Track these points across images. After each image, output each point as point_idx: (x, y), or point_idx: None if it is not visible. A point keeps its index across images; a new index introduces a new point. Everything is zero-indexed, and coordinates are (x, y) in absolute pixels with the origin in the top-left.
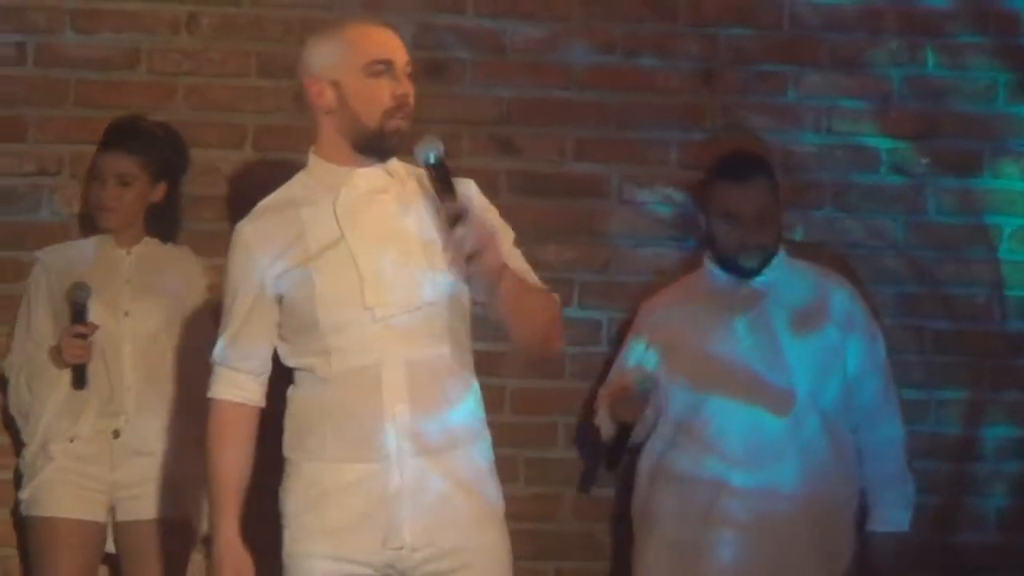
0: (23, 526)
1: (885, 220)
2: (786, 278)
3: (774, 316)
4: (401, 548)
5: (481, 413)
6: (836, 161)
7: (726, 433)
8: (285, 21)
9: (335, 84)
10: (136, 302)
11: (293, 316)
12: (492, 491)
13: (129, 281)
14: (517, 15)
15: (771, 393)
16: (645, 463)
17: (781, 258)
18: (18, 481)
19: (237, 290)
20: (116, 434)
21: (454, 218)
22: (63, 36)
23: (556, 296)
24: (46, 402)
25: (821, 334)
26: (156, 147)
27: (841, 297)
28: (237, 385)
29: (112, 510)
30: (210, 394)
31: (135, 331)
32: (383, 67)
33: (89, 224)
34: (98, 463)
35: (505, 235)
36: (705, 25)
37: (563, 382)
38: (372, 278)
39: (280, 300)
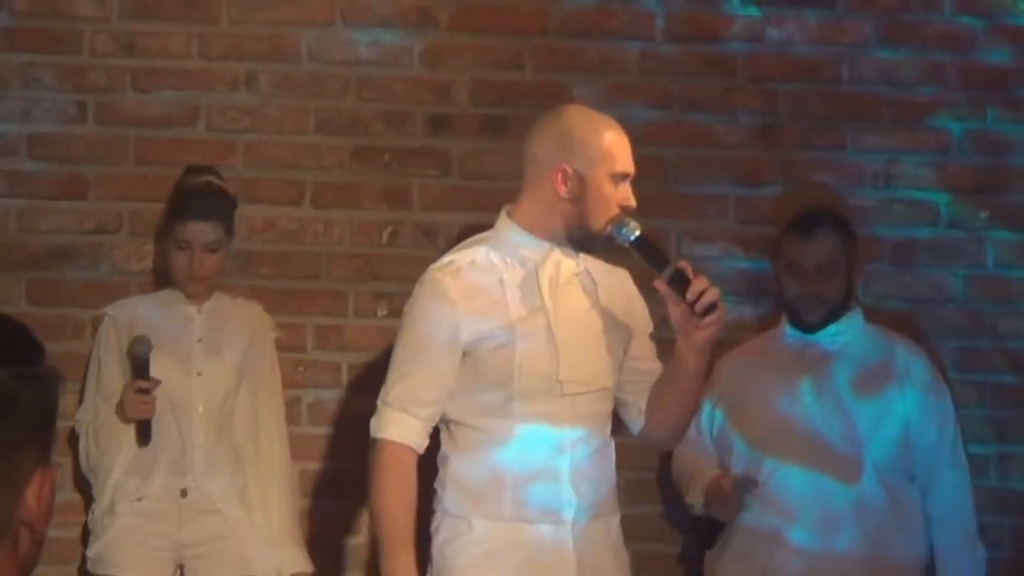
0: None
1: (945, 274)
2: (858, 342)
3: (839, 378)
4: None
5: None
6: (895, 215)
7: (786, 492)
8: (343, 78)
9: (581, 178)
10: (208, 361)
11: (484, 375)
12: (627, 556)
13: (201, 340)
14: (575, 70)
15: (837, 460)
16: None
17: (856, 318)
18: (85, 538)
19: (428, 337)
20: (184, 493)
21: (679, 276)
22: (123, 95)
23: None
24: (114, 459)
25: (887, 396)
26: (232, 206)
27: (913, 362)
28: (409, 428)
29: (180, 569)
30: (381, 435)
31: (207, 390)
32: (623, 178)
33: (150, 281)
34: (165, 522)
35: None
36: (763, 80)
37: (622, 438)
38: (567, 355)
39: (466, 355)
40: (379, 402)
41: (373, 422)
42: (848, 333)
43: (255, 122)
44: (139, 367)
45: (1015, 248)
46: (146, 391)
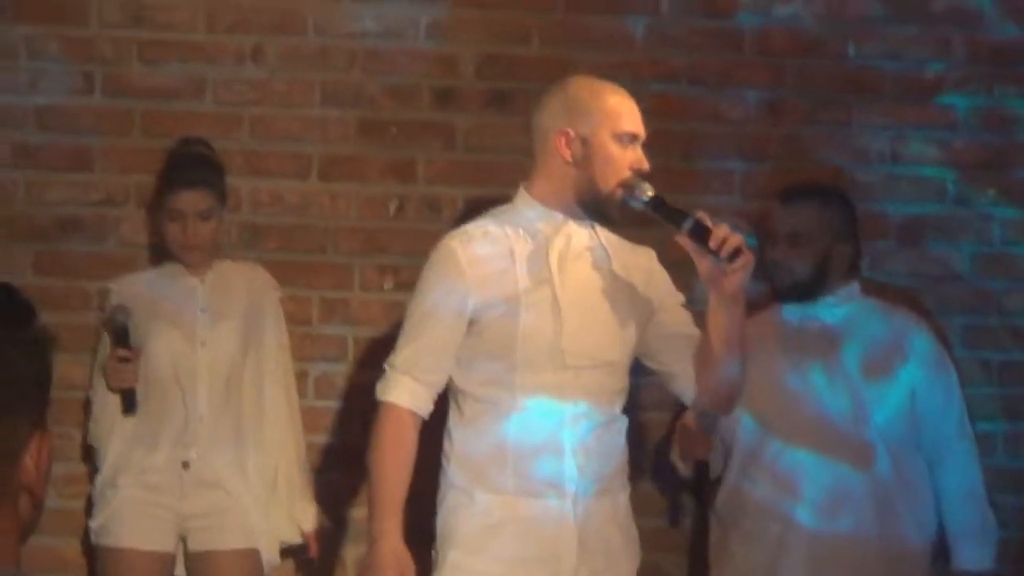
0: (93, 555)
1: (951, 251)
2: (858, 316)
3: (849, 361)
4: None
5: (627, 456)
6: (902, 192)
7: (798, 475)
8: (350, 51)
9: (584, 141)
10: (212, 331)
11: (487, 345)
12: (636, 533)
13: (204, 310)
14: (581, 45)
15: (848, 442)
16: (721, 495)
17: (852, 290)
18: (90, 509)
19: (436, 305)
20: (186, 465)
21: (699, 227)
22: (130, 66)
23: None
24: (111, 430)
25: (897, 376)
26: (222, 174)
27: (915, 335)
28: (415, 394)
29: (183, 540)
30: (385, 397)
31: (211, 361)
32: (630, 139)
33: (156, 253)
34: (168, 493)
35: (683, 311)
36: (770, 55)
37: (637, 413)
38: (571, 326)
39: (472, 324)
40: (385, 366)
41: (379, 386)
42: (845, 307)
43: (262, 95)
44: (119, 335)
45: (1022, 225)
46: (127, 360)
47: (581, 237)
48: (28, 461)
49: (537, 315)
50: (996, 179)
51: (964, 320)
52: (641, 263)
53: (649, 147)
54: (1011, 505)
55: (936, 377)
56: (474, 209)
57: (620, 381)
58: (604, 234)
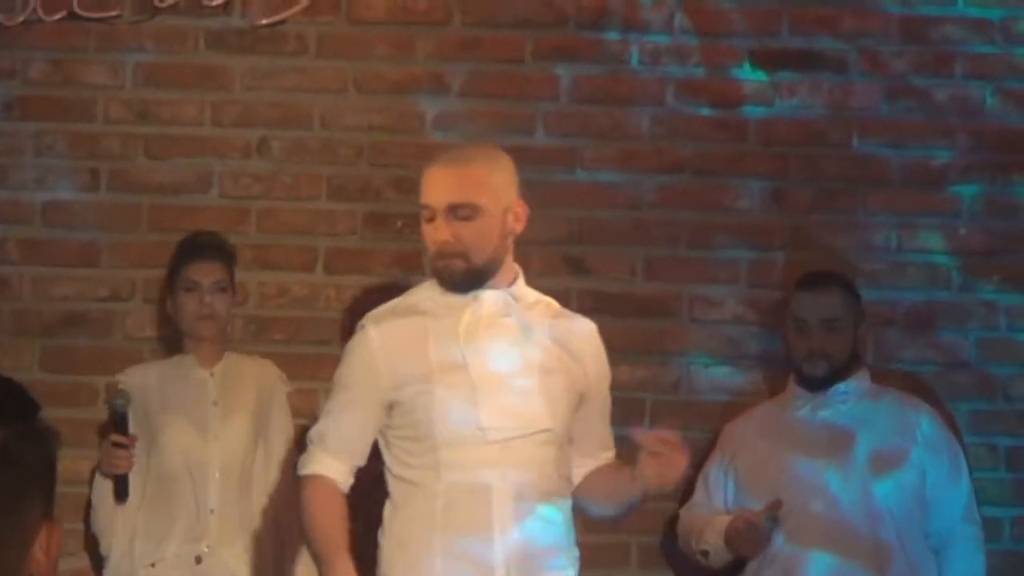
0: None
1: (957, 337)
2: (870, 411)
3: (862, 458)
4: None
5: (574, 535)
6: (907, 279)
7: (807, 569)
8: (356, 144)
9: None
10: (224, 424)
11: (407, 426)
12: None
13: (216, 403)
14: (587, 135)
15: (864, 549)
16: None
17: (863, 378)
18: None
19: (353, 383)
20: (198, 560)
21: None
22: (136, 162)
23: None
24: (116, 520)
25: (908, 463)
26: (234, 258)
27: (924, 420)
28: (330, 467)
29: None
30: (304, 471)
31: (224, 454)
32: (428, 213)
33: (163, 347)
34: None
35: (606, 402)
36: (775, 145)
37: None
38: (487, 401)
39: (392, 407)
40: (307, 439)
41: (299, 460)
42: (857, 393)
43: (268, 188)
44: (117, 421)
45: None
46: (123, 446)
47: (494, 304)
48: (38, 551)
49: (452, 391)
50: (1001, 266)
51: (971, 406)
52: (576, 330)
53: (655, 236)
54: None
55: (944, 461)
56: None
57: (556, 451)
58: (533, 298)
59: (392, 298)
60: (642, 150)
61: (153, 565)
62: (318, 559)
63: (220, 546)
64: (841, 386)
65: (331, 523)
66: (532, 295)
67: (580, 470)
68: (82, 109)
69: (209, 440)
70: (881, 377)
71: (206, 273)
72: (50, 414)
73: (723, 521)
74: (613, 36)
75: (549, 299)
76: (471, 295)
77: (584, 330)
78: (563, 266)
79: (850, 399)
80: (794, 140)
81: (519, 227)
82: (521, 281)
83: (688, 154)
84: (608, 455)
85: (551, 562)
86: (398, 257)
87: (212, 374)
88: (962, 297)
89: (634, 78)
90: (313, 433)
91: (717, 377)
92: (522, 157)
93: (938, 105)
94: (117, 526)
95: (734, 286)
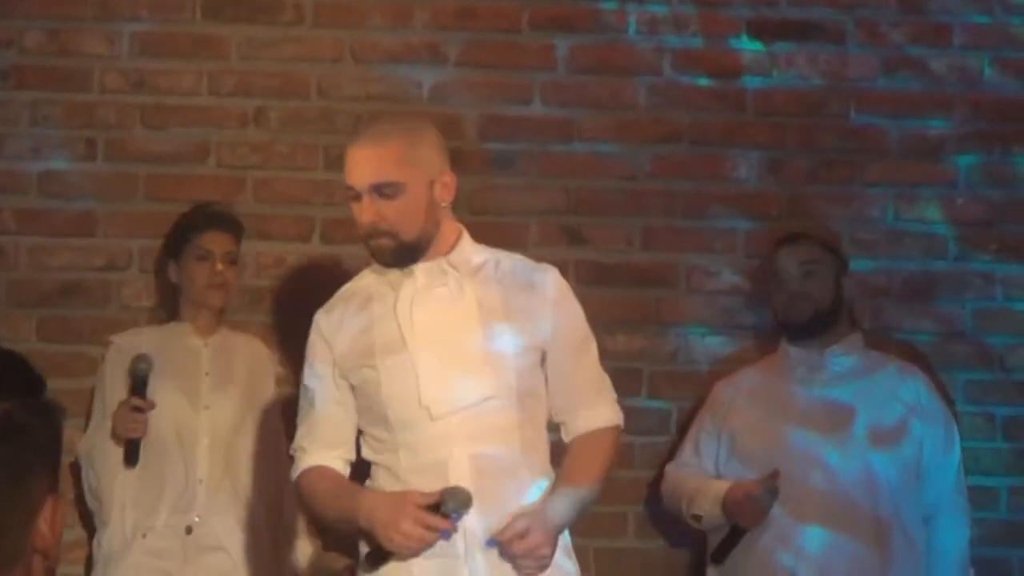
0: None
1: (954, 307)
2: (868, 383)
3: (861, 432)
4: None
5: None
6: (904, 249)
7: (804, 541)
8: (353, 114)
9: None
10: (215, 395)
11: (365, 410)
12: None
13: (208, 373)
14: (583, 105)
15: (864, 522)
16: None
17: (856, 340)
18: (89, 568)
19: (311, 379)
20: (188, 530)
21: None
22: (133, 131)
23: (615, 434)
24: (112, 483)
25: (908, 442)
26: (242, 233)
27: (922, 391)
28: (318, 460)
29: None
30: (294, 477)
31: (214, 424)
32: (353, 194)
33: (159, 318)
34: (171, 558)
35: (586, 346)
36: (772, 115)
37: (632, 471)
38: (427, 377)
39: (353, 389)
40: (292, 449)
41: (292, 472)
42: (851, 358)
43: (265, 158)
44: (138, 385)
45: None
46: (140, 410)
47: (429, 276)
48: (42, 525)
49: (395, 371)
50: (998, 236)
51: (968, 375)
52: (533, 282)
53: (652, 206)
54: (1009, 558)
55: (940, 431)
56: None
57: (511, 418)
58: (479, 258)
59: None
60: (639, 120)
61: (144, 535)
62: (342, 520)
63: (210, 517)
64: (837, 348)
65: (330, 486)
66: (478, 256)
67: (565, 436)
68: (78, 79)
69: (199, 409)
70: (875, 344)
71: (220, 243)
72: (47, 384)
73: (719, 488)
74: (610, 6)
75: (505, 253)
76: (406, 271)
77: (542, 280)
78: (560, 236)
79: (845, 365)
80: (791, 110)
81: (448, 197)
82: (463, 245)
83: (685, 124)
84: (589, 415)
85: None
86: None
87: (206, 344)
88: (959, 267)
89: (631, 48)
90: (294, 445)
91: (714, 347)
92: (519, 127)
93: (936, 75)
94: (115, 493)
95: (731, 255)
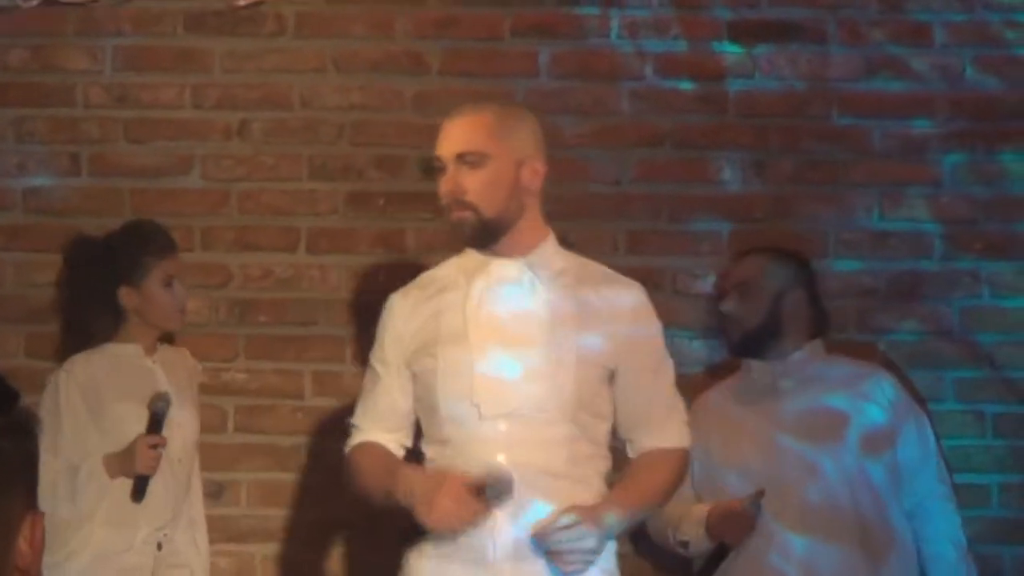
0: None
1: (941, 306)
2: (821, 372)
3: (841, 438)
4: None
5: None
6: (889, 249)
7: (792, 548)
8: (337, 124)
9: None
10: (181, 412)
11: (421, 399)
12: None
13: (168, 391)
14: (567, 111)
15: (848, 525)
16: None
17: (817, 347)
18: None
19: (378, 359)
20: (159, 547)
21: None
22: (117, 146)
23: (681, 455)
24: (93, 515)
25: (883, 443)
26: None
27: (887, 387)
28: (370, 436)
29: None
30: (347, 450)
31: (182, 442)
32: (439, 165)
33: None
34: (141, 575)
35: (661, 367)
36: (755, 117)
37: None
38: (482, 374)
39: (413, 378)
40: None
41: (345, 446)
42: (813, 363)
43: (249, 170)
44: (156, 422)
45: (1010, 278)
46: (157, 447)
47: (507, 273)
48: (22, 543)
49: (452, 364)
50: (984, 234)
51: (957, 374)
52: (613, 299)
53: (637, 210)
54: (1000, 556)
55: (910, 424)
56: None
57: (561, 432)
58: (560, 264)
59: (376, 277)
60: (623, 125)
61: (120, 554)
62: (385, 494)
63: (175, 533)
64: (797, 354)
65: (376, 461)
66: (561, 261)
67: (631, 453)
68: (62, 94)
69: (173, 427)
70: (837, 348)
71: (179, 267)
72: (35, 400)
73: (700, 511)
74: (592, 11)
75: (594, 264)
76: (482, 261)
77: (622, 297)
78: None
79: (806, 373)
80: (774, 112)
81: (535, 185)
82: (547, 247)
83: (669, 128)
84: (656, 434)
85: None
86: (381, 236)
87: (154, 362)
88: (946, 266)
89: (613, 53)
90: (351, 421)
91: (701, 350)
92: None
93: (918, 75)
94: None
95: (717, 258)
